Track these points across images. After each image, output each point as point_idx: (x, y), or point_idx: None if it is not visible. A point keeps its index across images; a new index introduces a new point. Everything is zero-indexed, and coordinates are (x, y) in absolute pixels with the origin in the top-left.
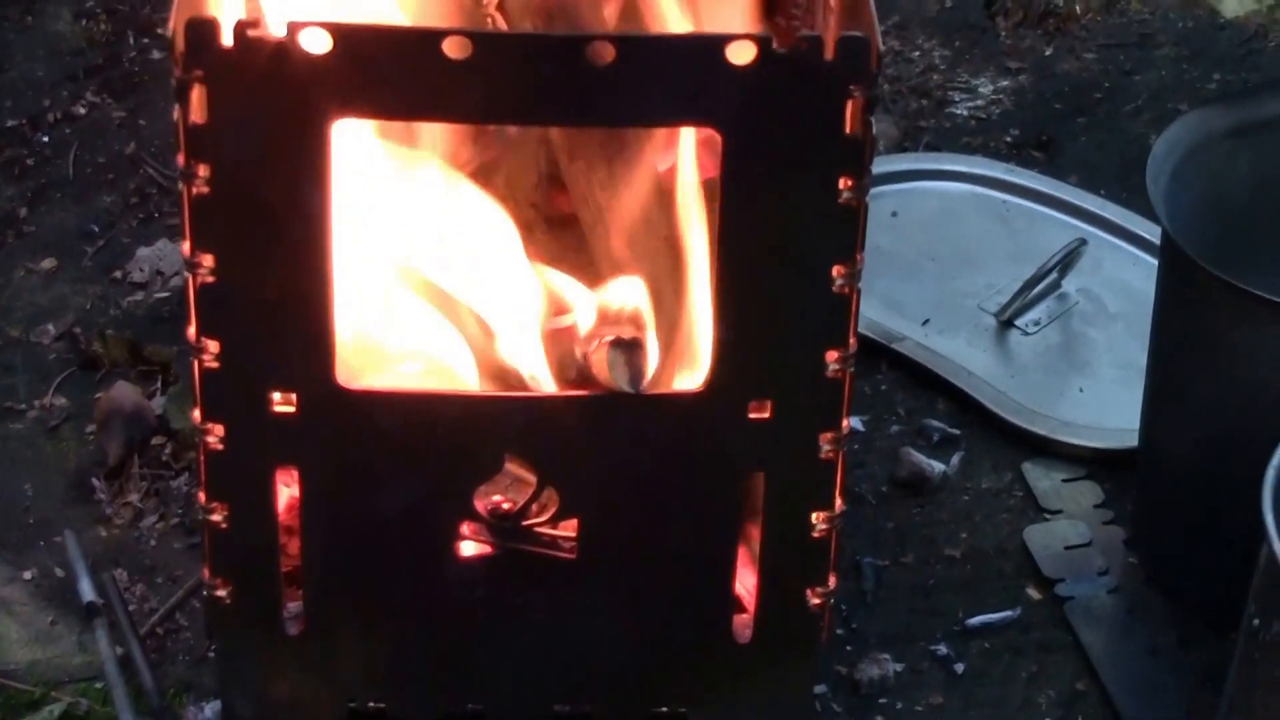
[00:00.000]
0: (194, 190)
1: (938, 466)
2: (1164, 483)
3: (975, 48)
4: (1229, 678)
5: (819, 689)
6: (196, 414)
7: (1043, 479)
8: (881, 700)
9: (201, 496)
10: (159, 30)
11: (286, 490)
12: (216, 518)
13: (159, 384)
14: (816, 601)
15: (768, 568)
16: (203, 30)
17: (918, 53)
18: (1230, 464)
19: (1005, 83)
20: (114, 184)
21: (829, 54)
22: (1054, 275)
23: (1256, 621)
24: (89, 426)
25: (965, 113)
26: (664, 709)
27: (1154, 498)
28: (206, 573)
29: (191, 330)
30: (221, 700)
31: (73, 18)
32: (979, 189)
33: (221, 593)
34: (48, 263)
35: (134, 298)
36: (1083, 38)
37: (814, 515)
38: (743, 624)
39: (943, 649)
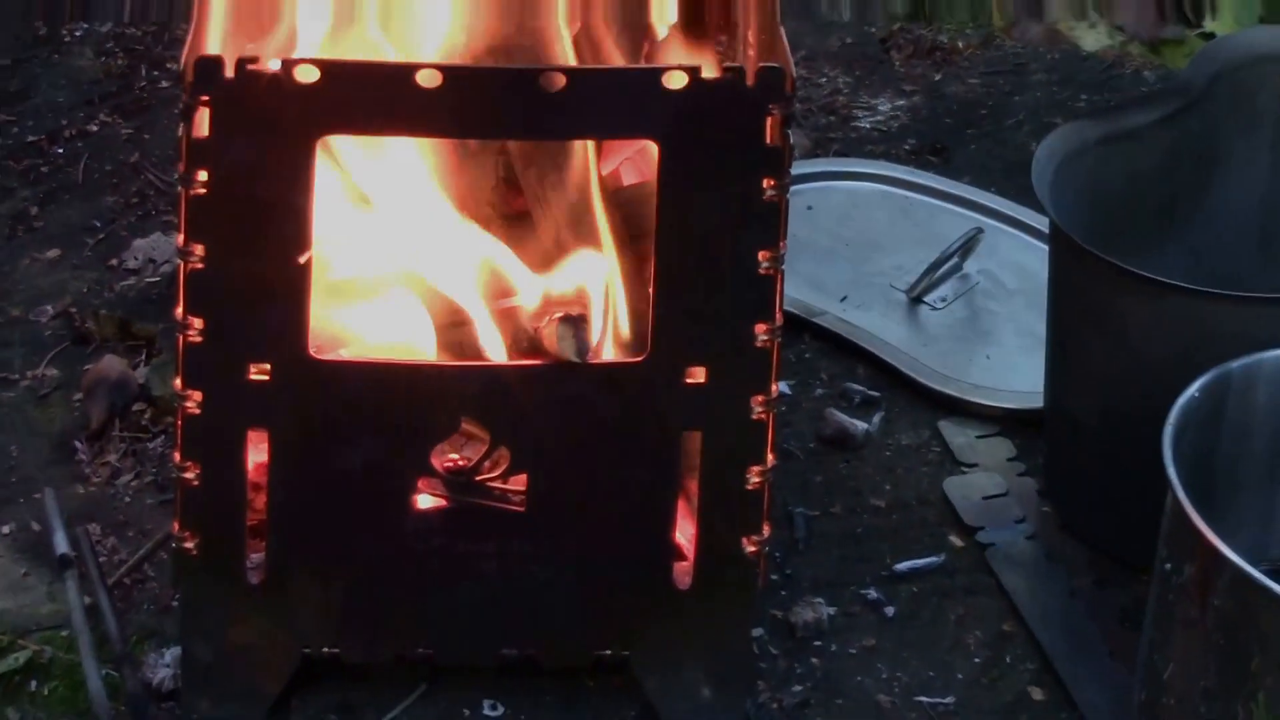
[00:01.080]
0: (192, 192)
1: (860, 425)
2: (1069, 438)
3: (874, 75)
4: (1147, 618)
5: (756, 632)
6: (178, 382)
7: (958, 435)
8: (817, 643)
9: (176, 456)
10: (168, 65)
11: (253, 451)
12: (189, 475)
13: (144, 356)
14: (752, 549)
15: (706, 518)
16: (209, 65)
17: (824, 79)
18: (1126, 418)
19: (902, 102)
20: (117, 187)
21: (750, 81)
22: (956, 259)
23: (1168, 565)
24: (77, 395)
25: (868, 126)
26: (607, 652)
27: (1062, 452)
28: (176, 526)
29: (179, 309)
30: (182, 646)
31: (94, 55)
32: (884, 187)
33: (189, 544)
34: (52, 252)
35: (127, 282)
36: (966, 67)
37: (748, 470)
38: (683, 571)
39: (873, 593)
